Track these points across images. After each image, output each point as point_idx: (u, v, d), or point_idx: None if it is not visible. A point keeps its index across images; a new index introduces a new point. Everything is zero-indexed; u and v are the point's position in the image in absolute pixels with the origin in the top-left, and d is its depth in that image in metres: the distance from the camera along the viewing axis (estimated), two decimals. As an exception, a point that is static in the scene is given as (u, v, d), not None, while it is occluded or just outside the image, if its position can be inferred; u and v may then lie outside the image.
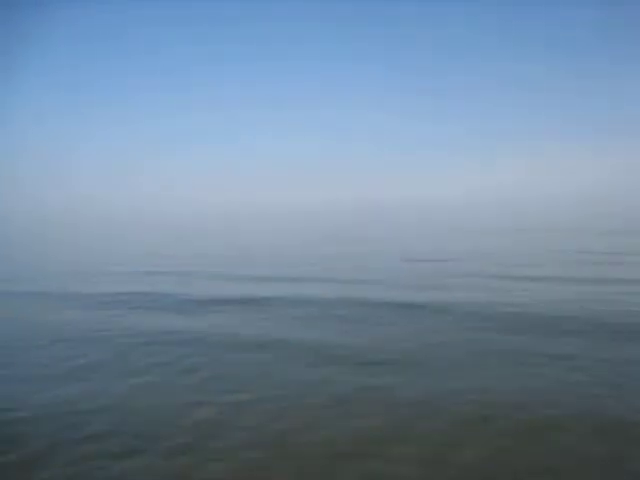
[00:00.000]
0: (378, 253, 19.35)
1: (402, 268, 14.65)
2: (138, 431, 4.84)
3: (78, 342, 7.91)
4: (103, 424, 5.02)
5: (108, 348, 7.52)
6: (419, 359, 6.31)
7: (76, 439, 4.76)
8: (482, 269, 13.57)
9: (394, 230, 34.06)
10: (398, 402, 5.12)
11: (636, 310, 8.20)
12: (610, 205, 57.95)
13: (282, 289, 11.88)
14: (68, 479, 4.10)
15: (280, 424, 4.79)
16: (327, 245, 24.29)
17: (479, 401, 5.02)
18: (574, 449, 4.07)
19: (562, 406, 4.81)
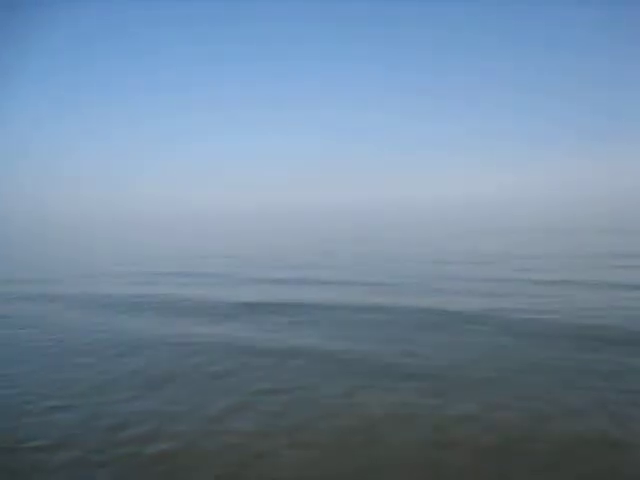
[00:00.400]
0: (402, 255, 18.71)
1: (432, 270, 14.15)
2: (168, 418, 5.07)
3: (119, 346, 7.82)
4: (134, 413, 5.23)
5: (140, 352, 7.55)
6: (439, 371, 6.04)
7: (108, 427, 4.94)
8: (513, 273, 13.04)
9: (410, 231, 32.91)
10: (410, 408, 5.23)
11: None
12: (620, 205, 57.52)
13: (296, 292, 11.72)
14: (101, 464, 4.29)
15: (291, 416, 4.97)
16: (343, 246, 24.01)
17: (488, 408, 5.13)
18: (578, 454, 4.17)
19: (566, 405, 4.93)
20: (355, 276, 13.88)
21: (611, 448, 4.10)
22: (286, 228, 45.85)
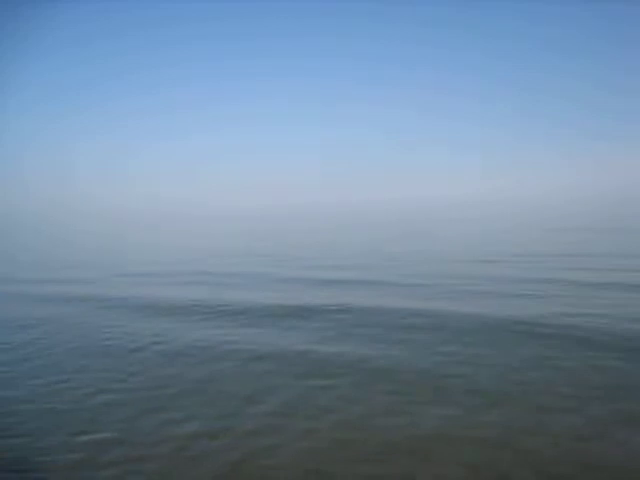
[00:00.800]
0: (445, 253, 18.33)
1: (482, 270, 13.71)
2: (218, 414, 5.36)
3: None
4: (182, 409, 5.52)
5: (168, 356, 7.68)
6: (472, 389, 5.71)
7: (159, 421, 5.21)
8: (564, 273, 12.56)
9: (446, 230, 31.84)
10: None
11: None
12: (622, 205, 56.69)
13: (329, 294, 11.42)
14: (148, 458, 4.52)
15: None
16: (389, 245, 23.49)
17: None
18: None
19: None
20: (392, 277, 13.44)
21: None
22: (292, 229, 45.55)
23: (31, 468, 4.41)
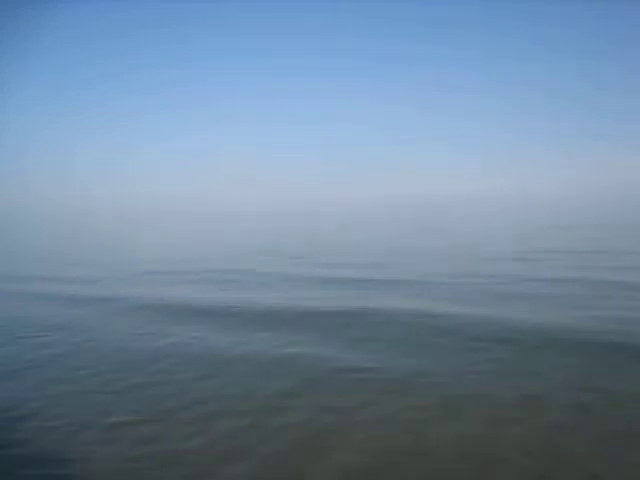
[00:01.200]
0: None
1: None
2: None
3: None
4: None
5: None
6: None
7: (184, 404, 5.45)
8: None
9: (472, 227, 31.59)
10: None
11: None
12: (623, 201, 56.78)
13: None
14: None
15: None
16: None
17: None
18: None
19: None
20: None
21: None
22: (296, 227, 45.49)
23: (56, 448, 4.60)
